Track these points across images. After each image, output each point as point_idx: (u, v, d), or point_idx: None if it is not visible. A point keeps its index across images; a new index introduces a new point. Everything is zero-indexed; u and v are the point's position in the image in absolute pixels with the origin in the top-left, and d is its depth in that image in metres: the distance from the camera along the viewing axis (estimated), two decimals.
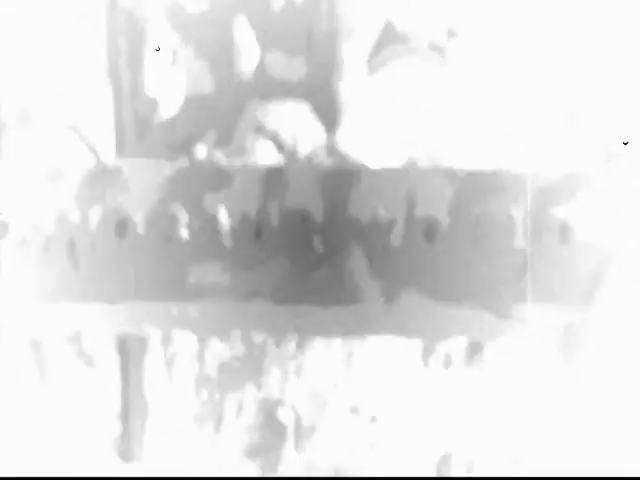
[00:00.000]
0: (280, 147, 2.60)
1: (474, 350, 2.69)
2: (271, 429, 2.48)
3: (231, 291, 2.53)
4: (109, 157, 2.60)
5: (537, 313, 2.62)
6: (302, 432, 2.58)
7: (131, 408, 2.56)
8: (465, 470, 2.70)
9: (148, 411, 2.58)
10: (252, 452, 2.54)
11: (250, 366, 2.66)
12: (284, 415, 2.41)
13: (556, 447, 2.67)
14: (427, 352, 2.68)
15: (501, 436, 2.69)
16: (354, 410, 2.73)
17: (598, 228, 2.63)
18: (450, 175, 2.61)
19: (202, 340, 2.62)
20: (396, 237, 2.58)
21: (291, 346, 2.68)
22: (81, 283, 2.50)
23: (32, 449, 2.57)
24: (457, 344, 2.69)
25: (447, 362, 2.72)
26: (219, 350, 2.66)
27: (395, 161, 2.67)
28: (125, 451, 2.56)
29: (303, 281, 2.54)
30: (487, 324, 2.62)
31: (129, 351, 2.57)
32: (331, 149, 2.66)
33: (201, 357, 2.65)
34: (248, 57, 2.61)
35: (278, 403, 2.61)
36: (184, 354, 2.63)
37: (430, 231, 2.59)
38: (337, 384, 2.73)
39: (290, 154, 2.61)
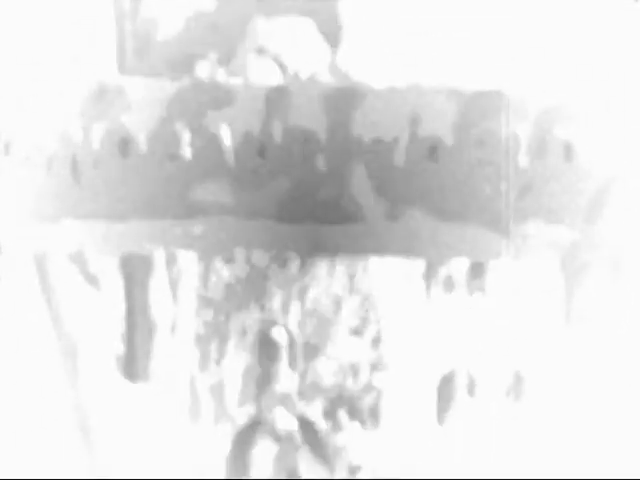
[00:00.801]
0: (283, 66, 2.58)
1: (477, 270, 2.70)
2: (266, 348, 2.49)
3: (234, 210, 2.53)
4: (111, 76, 2.58)
5: (540, 232, 2.63)
6: (300, 351, 2.59)
7: (136, 328, 2.57)
8: (467, 389, 2.72)
9: (153, 331, 2.59)
10: (249, 370, 2.55)
11: (253, 288, 2.67)
12: (278, 334, 2.42)
13: (557, 364, 2.69)
14: (430, 272, 2.68)
15: (503, 354, 2.71)
16: (357, 332, 2.74)
17: (602, 148, 2.63)
18: (454, 95, 2.60)
19: (206, 260, 2.62)
20: (399, 156, 2.58)
21: (294, 267, 2.68)
22: (84, 202, 2.50)
23: (34, 368, 2.59)
24: (460, 264, 2.70)
25: (449, 283, 2.73)
26: (222, 271, 2.66)
27: (399, 80, 2.66)
28: (131, 371, 2.57)
29: (306, 200, 2.53)
30: (490, 243, 2.63)
31: (133, 270, 2.58)
32: (334, 68, 2.64)
33: (205, 278, 2.66)
34: None
35: (273, 323, 2.62)
36: (188, 274, 2.63)
37: (433, 150, 2.58)
38: (340, 305, 2.74)
39: (293, 73, 2.60)
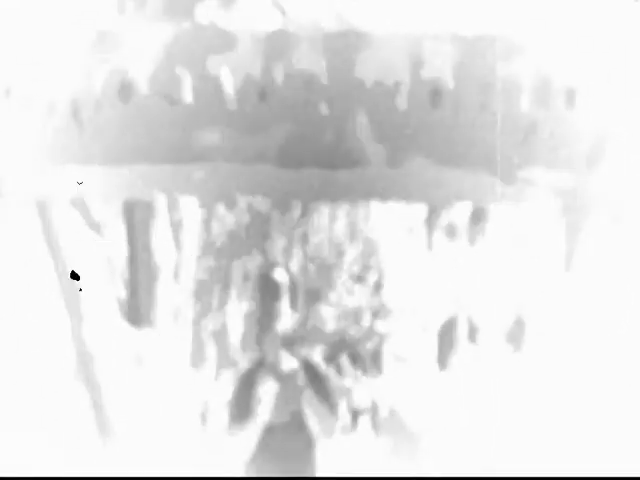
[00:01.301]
0: (283, 10, 2.56)
1: (478, 216, 2.70)
2: (266, 289, 2.49)
3: (235, 155, 2.53)
4: (111, 20, 2.56)
5: (542, 178, 2.63)
6: (301, 295, 2.60)
7: (138, 274, 2.57)
8: (468, 335, 2.74)
9: (156, 277, 2.60)
10: (251, 314, 2.56)
11: (255, 234, 2.67)
12: (279, 275, 2.42)
13: (558, 307, 2.70)
14: (432, 218, 2.69)
15: (504, 300, 2.72)
16: (358, 278, 2.75)
17: (604, 94, 2.62)
18: (457, 39, 2.59)
19: (207, 206, 2.62)
20: (402, 101, 2.57)
21: (295, 212, 2.68)
22: (85, 147, 2.49)
23: (37, 314, 2.60)
24: (461, 210, 2.70)
25: (451, 230, 2.73)
26: (224, 217, 2.67)
27: (402, 24, 2.64)
28: (134, 317, 2.58)
29: (307, 145, 2.53)
30: (492, 188, 2.63)
31: (135, 216, 2.58)
32: (336, 12, 2.62)
33: (206, 224, 2.66)
34: None
35: (275, 265, 2.62)
36: (190, 220, 2.64)
37: (436, 95, 2.58)
38: (342, 251, 2.74)
39: (294, 16, 2.58)
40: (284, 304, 2.60)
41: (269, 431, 2.23)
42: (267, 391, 2.27)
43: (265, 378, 2.32)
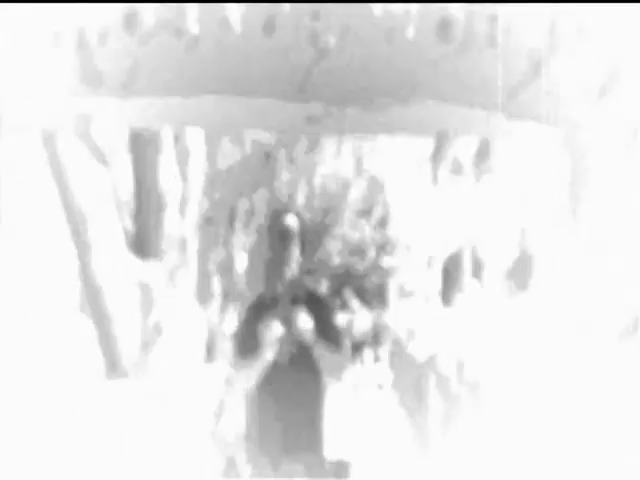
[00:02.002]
0: None
1: (483, 151, 2.70)
2: (272, 225, 2.48)
3: (241, 88, 2.51)
4: None
5: (549, 113, 2.62)
6: (307, 232, 2.59)
7: (145, 206, 2.58)
8: (472, 270, 2.75)
9: (162, 209, 2.60)
10: (256, 248, 2.57)
11: (261, 169, 2.67)
12: (290, 220, 2.41)
13: (563, 242, 2.70)
14: (437, 153, 2.69)
15: (507, 230, 2.72)
16: (364, 213, 2.76)
17: (614, 29, 2.60)
18: None
19: (213, 140, 2.62)
20: (409, 34, 2.55)
21: (302, 147, 2.69)
22: (93, 77, 2.48)
23: (45, 242, 2.60)
24: (467, 146, 2.70)
25: (457, 165, 2.73)
26: (230, 151, 2.67)
27: None
28: (141, 249, 2.59)
29: (316, 77, 2.51)
30: (498, 124, 2.62)
31: (141, 148, 2.57)
32: None
33: (212, 158, 2.66)
34: None
35: (286, 209, 2.62)
36: (196, 154, 2.64)
37: (445, 29, 2.55)
38: (347, 186, 2.75)
39: None
40: (289, 239, 2.59)
41: (275, 368, 2.23)
42: (272, 326, 2.26)
43: (270, 314, 2.32)
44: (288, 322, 2.20)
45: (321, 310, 2.25)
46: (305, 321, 2.19)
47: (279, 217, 2.32)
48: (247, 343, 2.23)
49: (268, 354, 2.19)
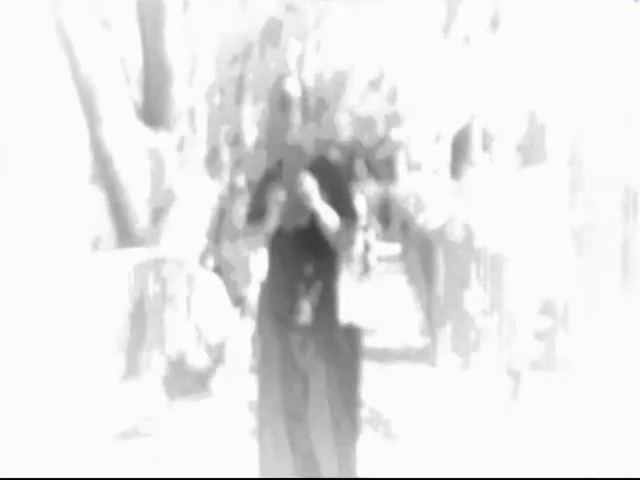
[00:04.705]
0: None
1: (495, 20, 2.66)
2: (280, 97, 2.42)
3: None
4: None
5: None
6: (313, 103, 2.56)
7: (152, 75, 2.55)
8: (482, 141, 2.73)
9: (170, 78, 2.57)
10: (265, 120, 2.54)
11: (269, 39, 2.64)
12: (290, 85, 2.34)
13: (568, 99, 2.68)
14: (448, 22, 2.65)
15: (518, 100, 2.70)
16: (373, 85, 2.73)
17: None
18: None
19: (220, 7, 2.58)
20: None
21: (310, 17, 2.64)
22: None
23: (55, 120, 2.58)
24: (478, 14, 2.66)
25: (467, 36, 2.70)
26: (238, 21, 2.62)
27: None
28: (150, 118, 2.57)
29: None
30: None
31: (148, 14, 2.53)
32: None
33: (220, 28, 2.62)
34: None
35: (288, 72, 2.56)
36: (204, 23, 2.60)
37: None
38: (356, 57, 2.72)
39: None
40: (296, 112, 2.56)
41: (281, 235, 2.21)
42: (277, 192, 2.25)
43: (278, 184, 2.30)
44: (294, 187, 2.15)
45: (332, 175, 2.21)
46: (309, 183, 2.13)
47: (280, 82, 2.25)
48: (255, 211, 2.20)
49: (272, 220, 2.14)
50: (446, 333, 2.78)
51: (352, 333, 2.24)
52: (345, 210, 2.15)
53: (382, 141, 2.78)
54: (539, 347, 2.72)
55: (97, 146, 2.55)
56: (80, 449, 2.25)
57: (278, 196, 2.16)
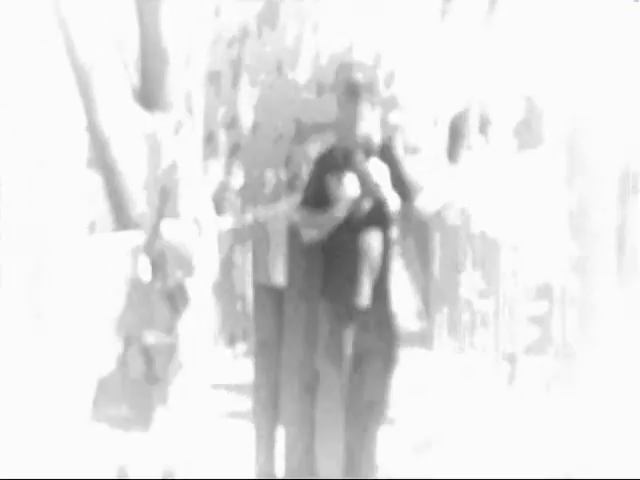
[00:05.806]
0: None
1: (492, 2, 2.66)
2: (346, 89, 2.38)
3: None
4: None
5: None
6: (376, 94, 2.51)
7: (149, 56, 2.54)
8: (479, 125, 2.73)
9: (166, 61, 2.56)
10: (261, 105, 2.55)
11: (266, 20, 2.63)
12: (358, 73, 2.27)
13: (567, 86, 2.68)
14: (447, 2, 2.64)
15: (515, 84, 2.70)
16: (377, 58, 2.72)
17: None
18: None
19: None
20: None
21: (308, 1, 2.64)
22: None
23: (51, 102, 2.57)
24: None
25: (465, 15, 2.69)
26: (235, 5, 2.62)
27: None
28: (147, 100, 2.56)
29: None
30: None
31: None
32: None
33: (217, 14, 2.62)
34: None
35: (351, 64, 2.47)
36: (201, 8, 2.59)
37: None
38: (352, 44, 2.72)
39: None
40: (366, 102, 2.49)
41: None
42: (343, 181, 2.24)
43: (345, 175, 2.26)
44: (364, 177, 2.11)
45: (394, 161, 2.16)
46: (380, 172, 2.08)
47: (346, 71, 2.17)
48: (317, 198, 2.16)
49: (340, 210, 2.10)
50: (442, 317, 2.80)
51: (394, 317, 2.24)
52: (407, 194, 2.12)
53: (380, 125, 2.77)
54: (535, 331, 2.73)
55: (94, 129, 2.54)
56: (80, 434, 2.26)
57: (350, 189, 2.11)
